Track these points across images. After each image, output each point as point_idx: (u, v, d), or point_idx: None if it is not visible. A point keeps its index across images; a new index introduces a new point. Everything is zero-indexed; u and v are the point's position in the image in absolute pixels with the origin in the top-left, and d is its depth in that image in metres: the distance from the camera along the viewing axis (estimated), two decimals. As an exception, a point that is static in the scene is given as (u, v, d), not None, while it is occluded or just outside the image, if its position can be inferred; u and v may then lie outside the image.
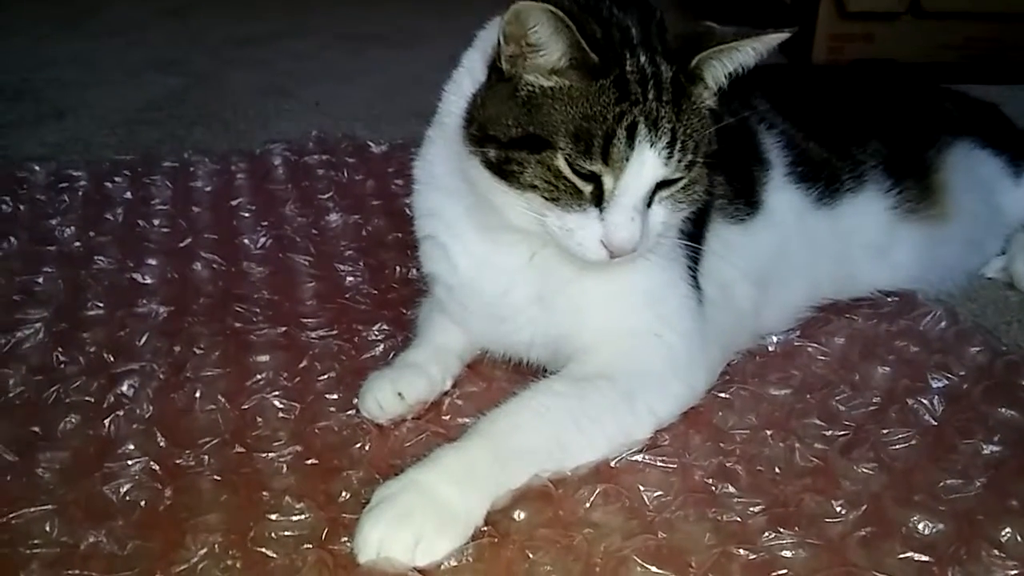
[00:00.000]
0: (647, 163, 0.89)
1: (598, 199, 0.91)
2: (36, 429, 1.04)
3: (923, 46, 2.43)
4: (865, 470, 0.98)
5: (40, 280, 1.35)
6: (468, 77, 0.99)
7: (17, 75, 2.31)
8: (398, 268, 1.40)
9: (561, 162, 0.90)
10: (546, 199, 0.91)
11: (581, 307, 1.04)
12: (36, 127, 2.00)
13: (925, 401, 1.08)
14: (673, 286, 1.07)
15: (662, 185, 0.93)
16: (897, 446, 1.02)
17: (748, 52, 0.93)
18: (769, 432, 1.04)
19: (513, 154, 0.91)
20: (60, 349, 1.18)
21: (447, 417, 1.08)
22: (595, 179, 0.90)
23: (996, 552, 0.87)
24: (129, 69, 2.41)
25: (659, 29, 0.93)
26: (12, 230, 1.49)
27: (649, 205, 0.93)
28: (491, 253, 1.05)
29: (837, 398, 1.10)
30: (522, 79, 0.91)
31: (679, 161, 0.91)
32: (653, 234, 0.94)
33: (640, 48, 0.91)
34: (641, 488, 0.94)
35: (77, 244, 1.47)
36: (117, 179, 1.69)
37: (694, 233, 1.10)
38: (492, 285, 1.07)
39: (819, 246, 1.25)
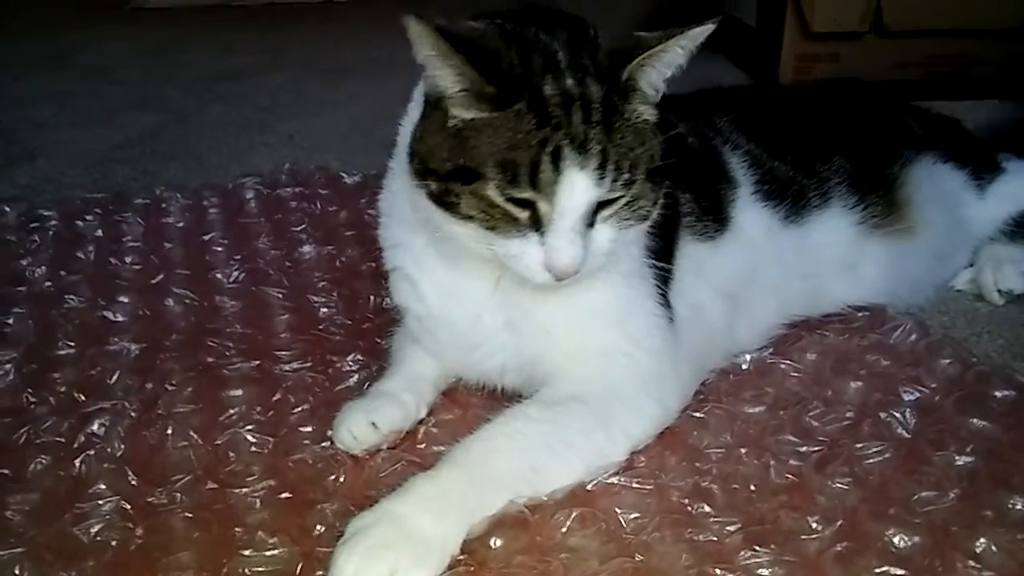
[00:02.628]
0: (578, 186, 0.89)
1: (536, 224, 0.91)
2: (6, 471, 1.02)
3: (888, 64, 2.47)
4: (840, 485, 0.98)
5: (10, 321, 1.34)
6: (417, 110, 0.98)
7: (-11, 116, 2.31)
8: (372, 298, 1.39)
9: (492, 191, 0.90)
10: (486, 229, 0.92)
11: (549, 329, 1.04)
12: (8, 168, 2.00)
13: (898, 414, 1.09)
14: (640, 304, 1.07)
15: (603, 204, 0.92)
16: (871, 460, 1.02)
17: (677, 51, 0.93)
18: (744, 450, 1.04)
19: (450, 186, 0.92)
20: (30, 390, 1.17)
21: (422, 446, 1.08)
22: (530, 205, 0.90)
23: (972, 563, 0.87)
24: (105, 108, 2.42)
25: (591, 49, 0.93)
26: (-18, 271, 1.48)
27: (593, 224, 0.93)
28: (457, 281, 1.06)
29: (811, 414, 1.10)
30: (448, 110, 0.91)
31: (614, 180, 0.91)
32: (599, 253, 0.94)
33: (568, 71, 0.91)
34: (617, 511, 0.94)
35: (48, 284, 1.46)
36: (88, 217, 1.68)
37: (662, 251, 1.10)
38: (461, 313, 1.07)
39: (788, 263, 1.26)
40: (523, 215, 0.91)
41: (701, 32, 0.93)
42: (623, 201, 0.93)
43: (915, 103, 1.60)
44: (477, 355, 1.09)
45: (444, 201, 0.93)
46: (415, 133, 0.96)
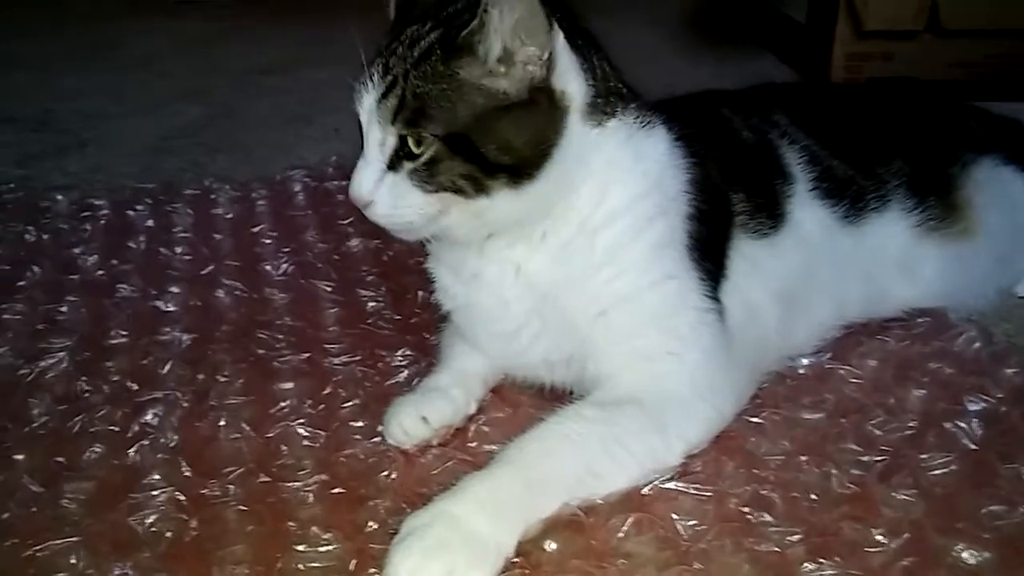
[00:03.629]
0: (365, 107, 0.94)
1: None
2: (61, 459, 1.03)
3: (942, 64, 2.41)
4: (905, 497, 0.95)
5: (64, 309, 1.35)
6: None
7: (41, 106, 2.33)
8: (420, 293, 1.38)
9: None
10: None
11: (578, 323, 1.03)
12: (59, 157, 2.02)
13: (963, 424, 1.06)
14: (683, 299, 1.04)
15: (409, 157, 0.93)
16: (937, 471, 0.99)
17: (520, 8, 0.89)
18: (804, 458, 1.01)
19: None
20: (84, 378, 1.17)
21: (473, 444, 1.07)
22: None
23: (1045, 581, 0.84)
24: (152, 99, 2.43)
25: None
26: (36, 259, 1.50)
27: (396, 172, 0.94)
28: (480, 267, 1.05)
29: (872, 422, 1.07)
30: None
31: (393, 113, 0.92)
32: (404, 205, 0.95)
33: (430, 18, 0.96)
34: (674, 517, 0.92)
35: (100, 272, 1.47)
36: (139, 207, 1.69)
37: (712, 247, 1.08)
38: (488, 299, 1.06)
39: (846, 263, 1.23)
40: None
41: None
42: (420, 161, 0.93)
43: (972, 103, 1.56)
44: (516, 346, 1.07)
45: None
46: None
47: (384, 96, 0.93)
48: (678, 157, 1.06)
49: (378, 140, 0.94)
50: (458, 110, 0.92)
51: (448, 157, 0.93)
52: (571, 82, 0.97)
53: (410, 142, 0.93)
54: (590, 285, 1.02)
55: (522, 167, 0.95)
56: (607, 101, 1.01)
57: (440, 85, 0.92)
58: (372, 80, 0.94)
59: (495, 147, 0.93)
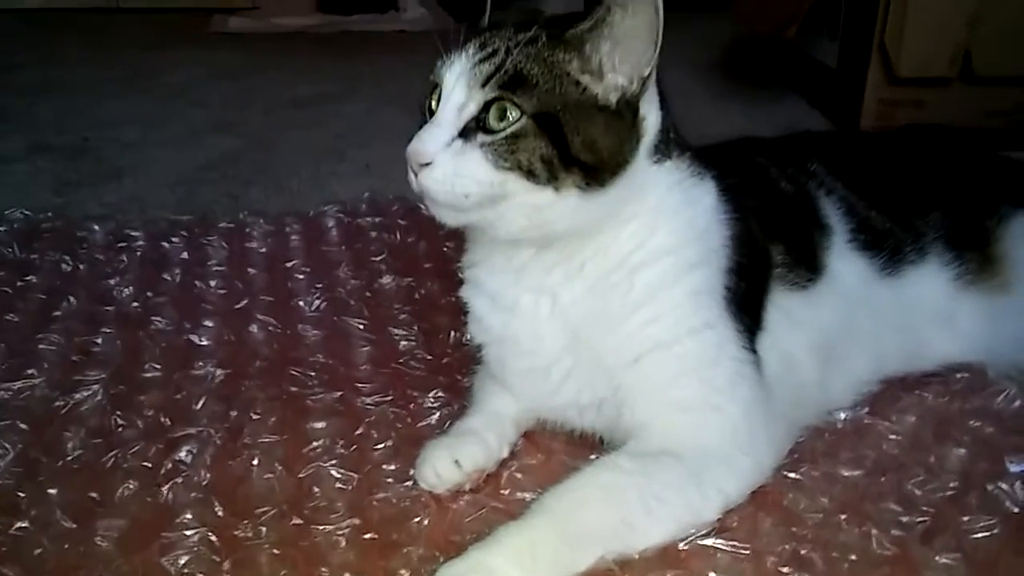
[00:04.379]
0: (455, 67, 0.93)
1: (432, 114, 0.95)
2: (94, 495, 1.03)
3: (974, 111, 2.40)
4: (947, 560, 0.93)
5: (99, 341, 1.36)
6: None
7: (78, 134, 2.37)
8: (452, 332, 1.38)
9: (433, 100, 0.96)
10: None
11: (613, 365, 1.02)
12: (95, 186, 2.04)
13: (1005, 486, 1.03)
14: (720, 349, 1.03)
15: (487, 131, 0.92)
16: (979, 535, 0.97)
17: (636, 33, 0.92)
18: (843, 516, 0.99)
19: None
20: (118, 412, 1.18)
21: (506, 491, 1.06)
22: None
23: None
24: (187, 130, 2.47)
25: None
26: (72, 289, 1.51)
27: (468, 140, 0.93)
28: (516, 299, 1.05)
29: (912, 481, 1.05)
30: None
31: (491, 75, 0.92)
32: (464, 175, 0.92)
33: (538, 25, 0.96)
34: (712, 575, 0.91)
35: (135, 304, 1.48)
36: (174, 239, 1.71)
37: (749, 299, 1.08)
38: (522, 332, 1.06)
39: (884, 316, 1.21)
40: (432, 101, 0.96)
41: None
42: (503, 133, 0.91)
43: (1002, 153, 1.55)
44: (546, 384, 1.07)
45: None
46: None
47: (481, 61, 0.92)
48: (723, 210, 1.06)
49: (458, 103, 0.92)
50: (555, 92, 0.93)
51: (534, 135, 0.92)
52: (651, 112, 0.99)
53: (492, 114, 0.91)
54: (626, 326, 1.01)
55: (598, 170, 0.95)
56: (669, 142, 1.02)
57: (542, 67, 0.93)
58: (468, 50, 0.94)
59: (580, 140, 0.93)
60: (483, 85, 0.92)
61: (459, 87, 0.93)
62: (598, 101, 0.94)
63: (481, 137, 0.92)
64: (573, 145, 0.93)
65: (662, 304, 1.02)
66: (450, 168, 0.92)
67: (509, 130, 0.92)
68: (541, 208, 0.95)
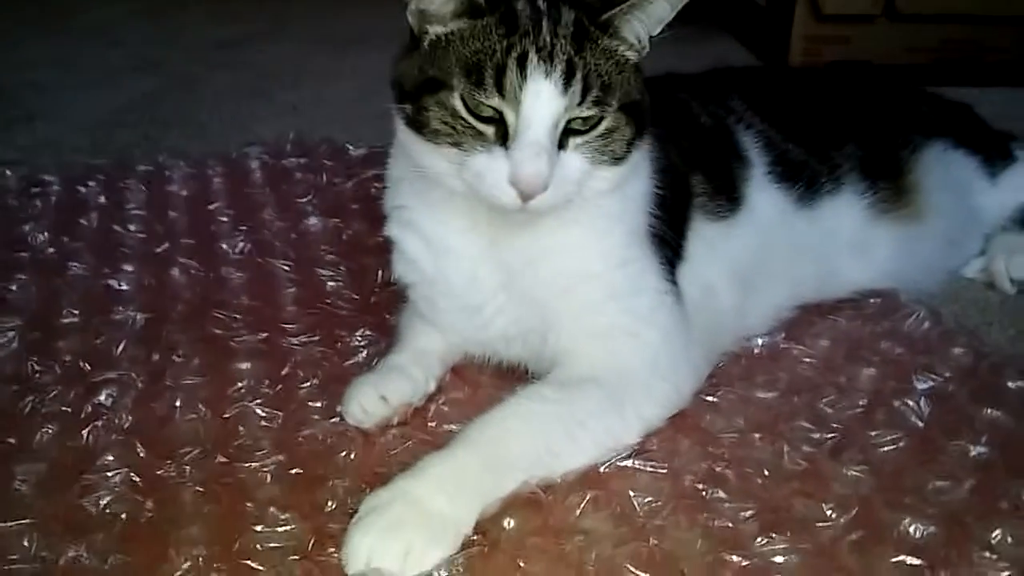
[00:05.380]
0: (543, 93, 0.89)
1: (504, 139, 0.91)
2: (12, 440, 1.01)
3: (898, 48, 2.45)
4: (854, 473, 0.98)
5: (13, 288, 1.32)
6: None
7: (-13, 77, 2.27)
8: (379, 272, 1.37)
9: (457, 101, 0.91)
10: (451, 144, 0.92)
11: (544, 299, 1.04)
12: (7, 131, 1.96)
13: (911, 403, 1.08)
14: (643, 280, 1.06)
15: (577, 132, 0.92)
16: (885, 448, 1.02)
17: (663, 5, 0.93)
18: (757, 435, 1.03)
19: (419, 102, 0.93)
20: (35, 358, 1.15)
21: (433, 424, 1.07)
22: (498, 121, 0.91)
23: (987, 554, 0.87)
24: (104, 71, 2.37)
25: None
26: (-17, 236, 1.46)
27: (564, 148, 0.92)
28: (451, 241, 1.05)
29: (824, 400, 1.10)
30: (426, 33, 0.94)
31: (582, 95, 0.90)
32: (569, 181, 0.93)
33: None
34: (631, 494, 0.94)
35: (51, 250, 1.44)
36: (91, 183, 1.66)
37: (671, 229, 1.10)
38: (456, 273, 1.06)
39: (801, 245, 1.25)
40: (489, 130, 0.91)
41: None
42: (597, 131, 0.93)
43: (925, 88, 1.59)
44: (478, 320, 1.08)
45: (416, 121, 0.94)
46: (395, 62, 0.99)
47: (567, 84, 0.90)
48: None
49: (552, 124, 0.90)
50: (624, 78, 0.94)
51: (624, 124, 0.95)
52: None
53: (579, 119, 0.92)
54: (556, 261, 1.03)
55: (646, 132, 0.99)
56: None
57: (608, 61, 0.93)
58: (537, 68, 0.89)
59: (646, 111, 0.97)
60: (579, 104, 0.91)
61: (549, 109, 0.90)
62: (638, 67, 0.97)
63: (574, 141, 0.93)
64: (645, 119, 0.98)
65: (588, 237, 1.03)
66: (559, 187, 0.92)
67: (602, 127, 0.93)
68: (618, 180, 0.98)
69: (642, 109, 0.97)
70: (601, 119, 0.93)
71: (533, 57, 0.89)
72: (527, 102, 0.89)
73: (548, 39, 0.90)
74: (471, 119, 0.91)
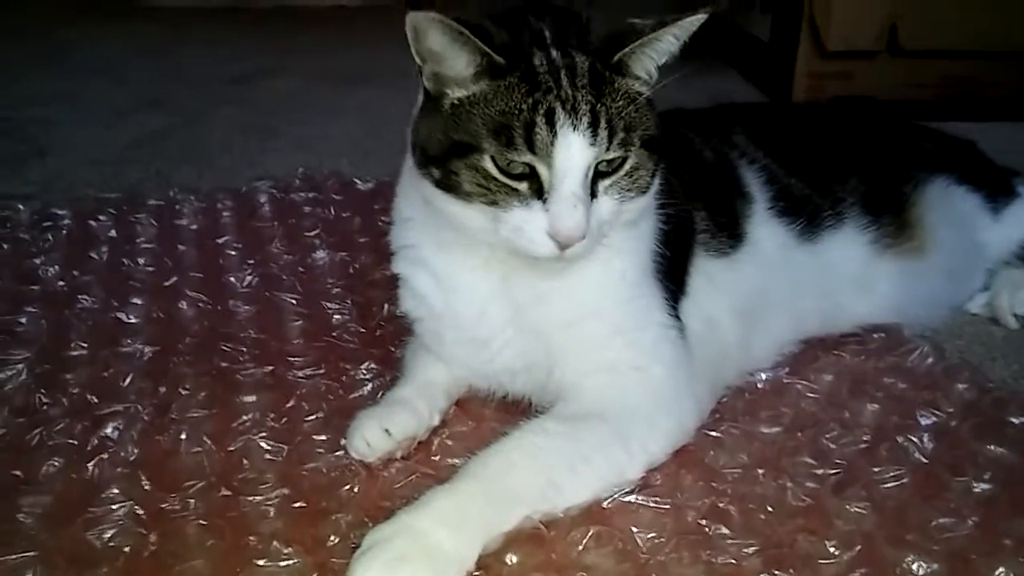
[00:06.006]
0: (574, 145, 0.91)
1: (539, 192, 0.92)
2: (18, 473, 1.02)
3: (901, 84, 2.47)
4: (858, 509, 0.98)
5: (23, 320, 1.34)
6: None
7: None
8: (386, 306, 1.38)
9: (488, 163, 0.92)
10: (485, 204, 0.93)
11: (551, 333, 1.04)
12: (19, 166, 1.99)
13: (915, 439, 1.08)
14: (648, 315, 1.07)
15: (604, 175, 0.94)
16: (888, 484, 1.02)
17: (670, 40, 0.95)
18: (761, 471, 1.03)
19: (449, 165, 0.94)
20: (43, 390, 1.16)
21: (436, 458, 1.07)
22: (530, 175, 0.92)
23: (991, 592, 0.87)
24: (113, 107, 2.41)
25: (579, 30, 0.96)
26: (-6, 269, 1.48)
27: (595, 196, 0.94)
28: (462, 277, 1.06)
29: (827, 436, 1.09)
30: (445, 95, 0.94)
31: (608, 140, 0.92)
32: (603, 224, 0.95)
33: (552, 45, 0.94)
34: (634, 530, 0.94)
35: (61, 283, 1.45)
36: (101, 217, 1.68)
37: (675, 265, 1.11)
38: (465, 308, 1.07)
39: (803, 280, 1.26)
40: (521, 185, 0.92)
41: (694, 21, 0.94)
42: (624, 169, 0.95)
43: (927, 124, 1.60)
44: (484, 353, 1.09)
45: (446, 184, 0.95)
46: (414, 124, 1.00)
47: (595, 133, 0.91)
48: None
49: (583, 174, 0.92)
50: (642, 114, 0.96)
51: (647, 158, 0.97)
52: None
53: (605, 161, 0.93)
54: (563, 296, 1.04)
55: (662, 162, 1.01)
56: None
57: (627, 102, 0.94)
58: (565, 122, 0.90)
59: (662, 142, 0.99)
60: (607, 149, 0.93)
61: (581, 160, 0.91)
62: (651, 101, 0.98)
63: (603, 183, 0.95)
64: (663, 150, 0.99)
65: (597, 274, 1.04)
66: (595, 229, 0.94)
67: (627, 167, 0.95)
68: (641, 209, 1.00)
69: (659, 141, 0.99)
70: (626, 159, 0.95)
71: (560, 112, 0.90)
72: (559, 156, 0.91)
73: (569, 92, 0.91)
74: (504, 178, 0.92)
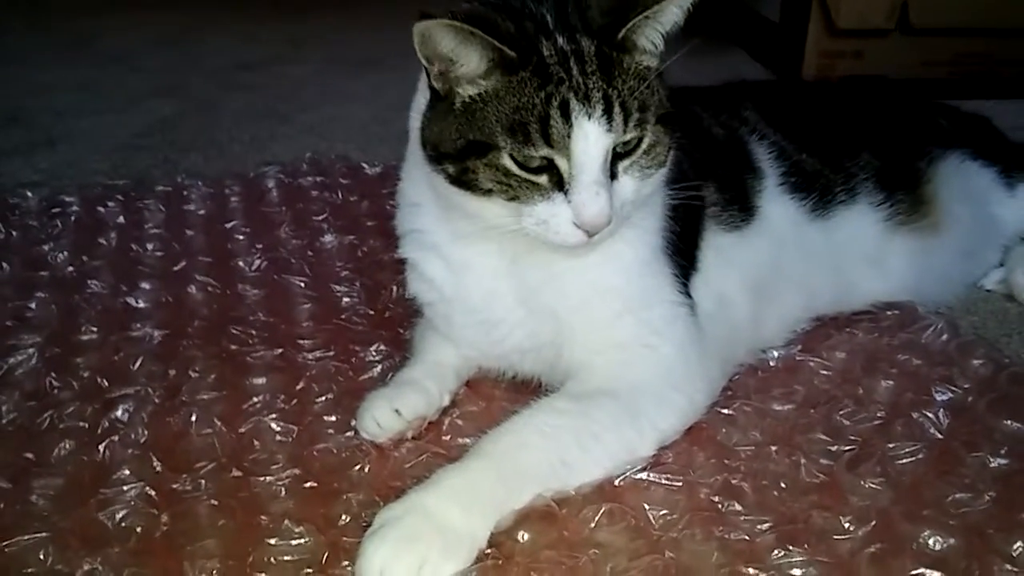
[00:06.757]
0: (591, 135, 0.90)
1: (559, 184, 0.91)
2: (30, 455, 1.02)
3: (913, 62, 2.44)
4: (872, 485, 0.97)
5: (33, 305, 1.34)
6: (423, 96, 0.99)
7: (11, 102, 2.30)
8: (394, 288, 1.38)
9: (507, 160, 0.91)
10: (508, 200, 0.92)
11: (561, 312, 1.04)
12: (29, 154, 1.99)
13: (930, 414, 1.07)
14: (658, 292, 1.06)
15: (622, 156, 0.93)
16: (904, 460, 1.00)
17: (673, 11, 0.94)
18: (774, 448, 1.02)
19: (466, 164, 0.93)
20: (53, 374, 1.16)
21: (447, 437, 1.07)
22: (549, 168, 0.91)
23: (1008, 566, 0.86)
24: (125, 95, 2.41)
25: (578, 9, 0.95)
26: (4, 256, 1.48)
27: (615, 177, 0.93)
28: (471, 259, 1.05)
29: (841, 413, 1.08)
30: (455, 93, 0.93)
31: (624, 124, 0.91)
32: (626, 205, 0.95)
33: (556, 31, 0.92)
34: (646, 507, 0.93)
35: (70, 269, 1.45)
36: (110, 204, 1.68)
37: (685, 241, 1.10)
38: (475, 290, 1.07)
39: (815, 256, 1.24)
40: (542, 179, 0.91)
41: None
42: (642, 148, 0.94)
43: (941, 102, 1.58)
44: (494, 334, 1.08)
45: (463, 181, 0.94)
46: (423, 121, 0.98)
47: (610, 119, 0.90)
48: None
49: (602, 160, 0.91)
50: (656, 91, 0.95)
51: (663, 133, 0.96)
52: None
53: (623, 142, 0.92)
54: (574, 275, 1.03)
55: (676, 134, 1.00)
56: None
57: (638, 80, 0.93)
58: (580, 113, 0.89)
59: (674, 115, 0.98)
60: (624, 131, 0.92)
61: (598, 147, 0.90)
62: (661, 75, 0.97)
63: (622, 164, 0.94)
64: (676, 123, 0.98)
65: (607, 252, 1.03)
66: (619, 211, 0.93)
67: (644, 145, 0.94)
68: (655, 183, 0.99)
69: (673, 115, 0.98)
70: (642, 138, 0.94)
71: (574, 103, 0.89)
72: (577, 147, 0.90)
73: (580, 80, 0.90)
74: (523, 173, 0.91)
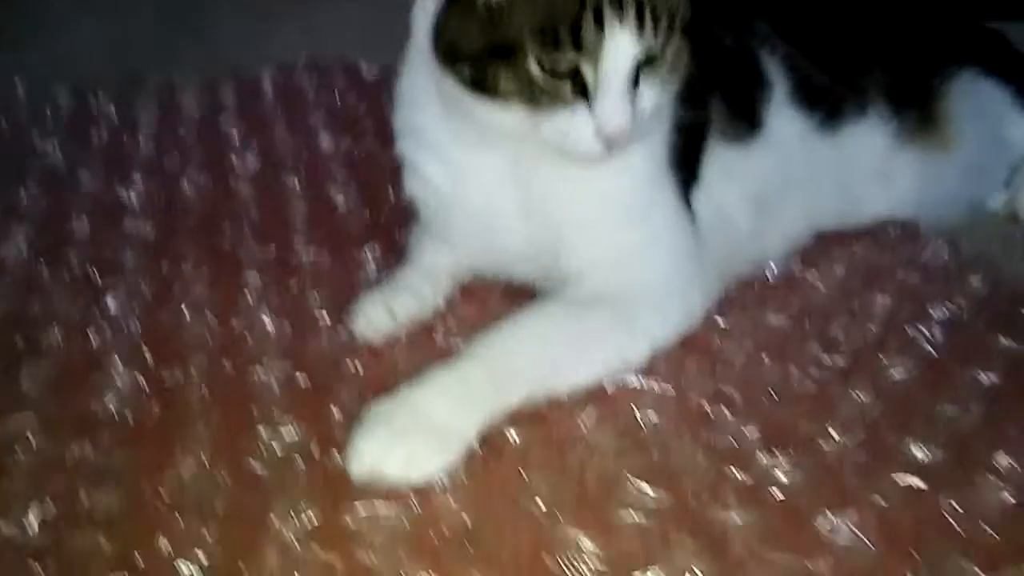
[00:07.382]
0: (621, 43, 0.86)
1: (583, 92, 0.88)
2: (19, 342, 1.02)
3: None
4: (862, 397, 0.97)
5: (22, 196, 1.32)
6: None
7: (-1, -7, 2.24)
8: (391, 190, 1.36)
9: (533, 65, 0.87)
10: (528, 106, 0.89)
11: (562, 219, 1.02)
12: (19, 48, 1.94)
13: (925, 330, 1.07)
14: (659, 202, 1.04)
15: (644, 64, 0.90)
16: (896, 375, 1.00)
17: None
18: (767, 358, 1.02)
19: (487, 66, 0.89)
20: (44, 264, 1.16)
21: (440, 339, 1.07)
22: (574, 75, 0.87)
23: (992, 477, 0.86)
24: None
25: None
26: (-7, 147, 1.46)
27: (637, 85, 0.90)
28: (472, 162, 1.03)
29: (836, 326, 1.08)
30: None
31: (653, 32, 0.88)
32: (648, 115, 0.92)
33: None
34: (636, 411, 0.93)
35: (60, 161, 1.43)
36: (102, 98, 1.64)
37: (688, 152, 1.08)
38: (475, 193, 1.04)
39: (821, 170, 1.22)
40: (565, 87, 0.88)
41: None
42: (665, 59, 0.91)
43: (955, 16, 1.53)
44: (491, 238, 1.07)
45: (480, 84, 0.90)
46: (438, 20, 0.93)
47: (641, 25, 0.86)
48: None
49: (630, 72, 0.88)
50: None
51: (684, 41, 0.93)
52: None
53: (650, 48, 0.89)
54: (575, 181, 1.01)
55: None
56: None
57: None
58: (613, 18, 0.85)
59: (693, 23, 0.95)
60: (654, 39, 0.88)
61: (627, 56, 0.87)
62: None
63: (645, 73, 0.90)
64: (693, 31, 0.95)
65: (616, 161, 0.99)
66: (640, 122, 0.90)
67: (669, 55, 0.91)
68: (675, 88, 0.97)
69: (692, 24, 0.94)
70: (667, 47, 0.91)
71: (607, 8, 0.85)
72: (608, 55, 0.86)
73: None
74: (547, 79, 0.88)
